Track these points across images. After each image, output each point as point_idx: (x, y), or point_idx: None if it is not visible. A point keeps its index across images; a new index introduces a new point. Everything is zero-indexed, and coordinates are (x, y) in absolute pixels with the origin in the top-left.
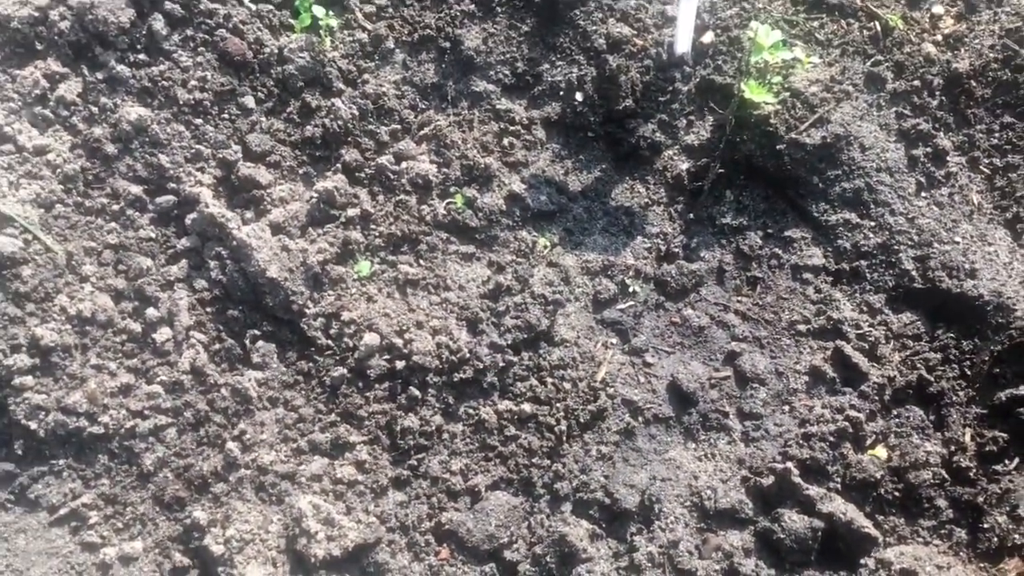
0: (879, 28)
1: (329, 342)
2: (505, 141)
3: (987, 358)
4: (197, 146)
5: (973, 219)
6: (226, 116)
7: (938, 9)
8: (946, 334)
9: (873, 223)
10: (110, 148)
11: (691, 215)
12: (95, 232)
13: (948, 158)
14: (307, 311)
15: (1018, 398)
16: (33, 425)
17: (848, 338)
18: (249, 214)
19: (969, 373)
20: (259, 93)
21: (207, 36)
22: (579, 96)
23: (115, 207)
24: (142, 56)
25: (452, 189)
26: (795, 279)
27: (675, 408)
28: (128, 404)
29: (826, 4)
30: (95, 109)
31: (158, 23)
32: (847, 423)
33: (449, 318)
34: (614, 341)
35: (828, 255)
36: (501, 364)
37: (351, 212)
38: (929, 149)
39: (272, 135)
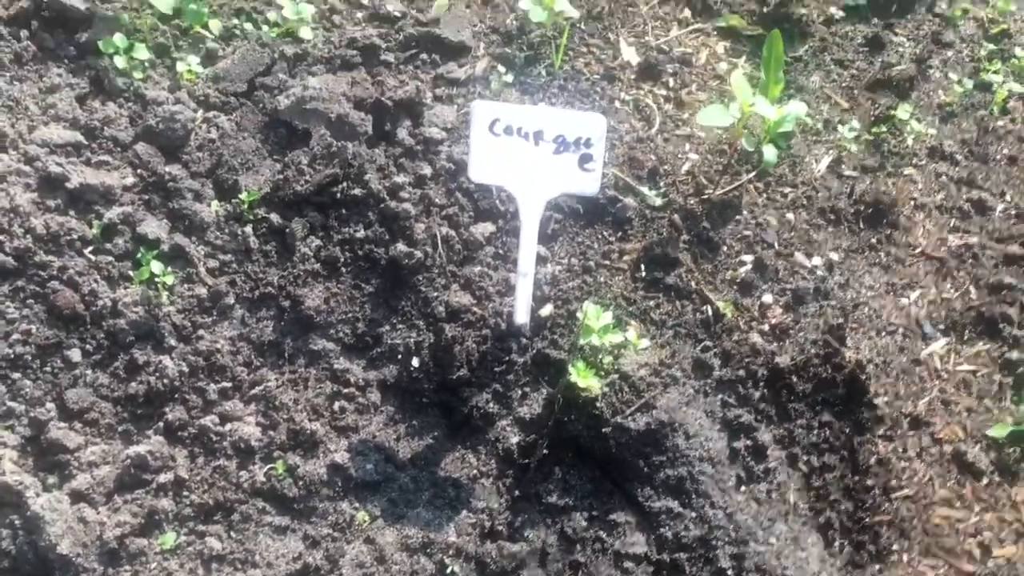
0: (711, 313)
1: None
2: (336, 405)
3: None
4: (10, 403)
5: (789, 520)
6: (48, 370)
7: (768, 298)
8: None
9: (694, 514)
10: None
11: (518, 491)
12: None
13: (768, 452)
14: None
15: None
16: None
17: None
18: (52, 479)
19: None
20: (87, 346)
21: (38, 288)
22: (415, 361)
23: None
24: None
25: (276, 454)
26: (616, 567)
27: None
28: None
29: (663, 284)
30: None
31: None
32: None
33: None
34: None
35: (651, 543)
36: None
37: (164, 477)
38: (750, 442)
39: (95, 390)
